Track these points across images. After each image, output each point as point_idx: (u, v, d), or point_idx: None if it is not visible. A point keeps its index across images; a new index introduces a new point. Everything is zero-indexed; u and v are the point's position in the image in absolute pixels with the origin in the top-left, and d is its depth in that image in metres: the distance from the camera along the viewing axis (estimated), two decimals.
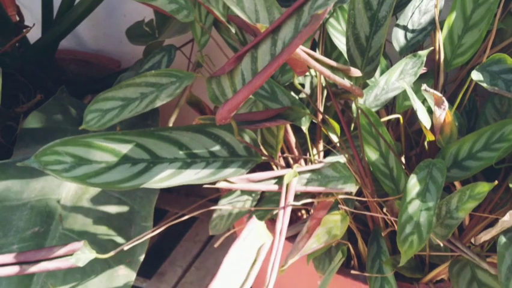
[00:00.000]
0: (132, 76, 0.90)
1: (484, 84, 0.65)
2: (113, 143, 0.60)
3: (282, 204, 0.57)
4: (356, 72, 0.59)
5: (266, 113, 0.69)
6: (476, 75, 0.66)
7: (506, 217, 0.57)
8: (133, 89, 0.79)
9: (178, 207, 1.24)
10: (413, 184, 0.62)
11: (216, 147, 0.63)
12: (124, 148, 0.60)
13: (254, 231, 0.54)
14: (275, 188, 0.62)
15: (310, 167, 0.63)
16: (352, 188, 0.63)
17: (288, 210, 0.57)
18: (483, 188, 0.58)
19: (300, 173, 0.64)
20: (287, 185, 0.61)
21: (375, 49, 0.64)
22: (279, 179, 0.63)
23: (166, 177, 0.61)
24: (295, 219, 0.84)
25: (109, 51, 1.24)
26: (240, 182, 0.60)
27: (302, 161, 0.82)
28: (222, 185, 0.59)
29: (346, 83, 0.58)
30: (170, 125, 0.91)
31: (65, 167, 0.59)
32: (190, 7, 0.75)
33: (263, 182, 0.62)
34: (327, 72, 0.57)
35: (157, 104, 0.77)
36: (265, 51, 0.54)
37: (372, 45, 0.65)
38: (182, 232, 1.18)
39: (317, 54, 0.56)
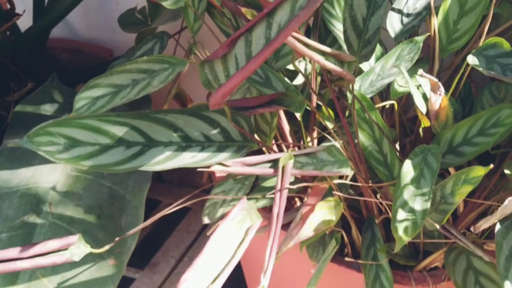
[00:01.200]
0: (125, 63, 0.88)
1: (480, 69, 0.64)
2: (107, 125, 0.59)
3: (278, 187, 0.56)
4: (348, 57, 0.59)
5: (260, 99, 0.68)
6: (472, 60, 0.65)
7: (506, 203, 0.56)
8: (124, 76, 0.77)
9: (171, 198, 1.23)
10: (408, 170, 0.62)
11: (211, 132, 0.63)
12: (119, 130, 0.59)
13: (244, 212, 0.53)
14: (270, 171, 0.61)
15: (305, 150, 0.62)
16: (348, 171, 0.62)
17: (285, 193, 0.56)
18: (478, 172, 0.58)
19: (295, 156, 0.63)
20: (283, 168, 0.60)
21: (372, 31, 0.64)
22: (274, 163, 0.62)
23: (161, 161, 0.60)
24: (288, 207, 0.83)
25: (102, 40, 1.22)
26: (234, 166, 0.59)
27: (297, 148, 0.81)
28: (216, 168, 0.58)
29: (338, 68, 0.58)
30: None
31: (58, 148, 0.58)
32: None
33: (258, 165, 0.61)
34: (318, 57, 0.56)
35: (149, 91, 0.76)
36: (260, 34, 0.53)
37: (369, 27, 0.64)
38: (175, 222, 1.18)
39: (308, 39, 0.54)
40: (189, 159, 0.59)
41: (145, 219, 1.20)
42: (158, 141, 0.60)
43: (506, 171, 0.63)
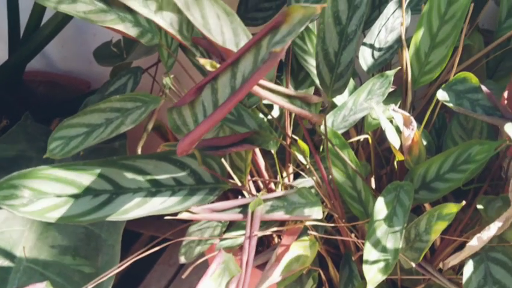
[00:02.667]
0: (98, 99, 0.88)
1: (450, 104, 0.64)
2: (74, 174, 0.58)
3: (247, 233, 0.56)
4: (314, 98, 0.58)
5: (232, 138, 0.67)
6: (441, 95, 0.65)
7: (474, 241, 0.56)
8: (97, 115, 0.77)
9: (152, 229, 1.22)
10: (380, 208, 0.61)
11: (182, 175, 0.62)
12: (86, 179, 0.58)
13: (222, 266, 0.52)
14: (240, 217, 0.60)
15: (275, 194, 0.62)
16: (319, 214, 0.61)
17: (254, 240, 0.55)
18: (451, 209, 0.57)
19: (265, 200, 0.62)
20: (252, 214, 0.59)
21: (345, 65, 0.63)
22: (244, 207, 0.61)
23: (129, 208, 0.59)
24: (267, 244, 0.83)
25: (79, 72, 1.21)
26: (203, 212, 0.59)
27: (272, 184, 0.80)
28: (184, 215, 0.57)
29: (303, 111, 0.57)
30: (139, 150, 0.89)
31: (22, 202, 0.57)
32: (154, 30, 0.73)
33: (228, 211, 0.61)
34: (283, 102, 0.55)
35: (122, 130, 0.75)
36: (225, 83, 0.52)
37: (341, 61, 0.64)
38: (156, 255, 1.16)
39: (271, 84, 0.54)
40: (159, 205, 0.59)
41: (126, 252, 1.19)
42: (127, 188, 0.59)
43: (479, 207, 0.63)
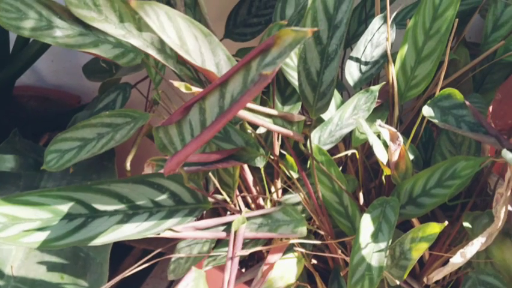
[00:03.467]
0: (87, 115, 0.88)
1: (435, 120, 0.65)
2: (48, 200, 0.58)
3: (229, 253, 0.56)
4: (296, 117, 0.58)
5: (218, 154, 0.67)
6: (427, 111, 0.65)
7: (457, 257, 0.56)
8: (89, 130, 0.78)
9: (144, 243, 1.21)
10: (366, 224, 0.61)
11: (160, 197, 0.62)
12: (61, 204, 0.58)
13: (192, 283, 0.52)
14: (223, 235, 0.60)
15: (259, 212, 0.62)
16: (303, 232, 0.61)
17: (236, 260, 0.55)
18: (434, 229, 0.58)
19: (250, 218, 0.62)
20: (235, 232, 0.59)
21: (327, 84, 0.63)
22: (228, 225, 0.61)
23: (104, 232, 0.58)
24: (257, 259, 0.83)
25: (69, 86, 1.21)
26: (185, 231, 0.59)
27: (261, 200, 0.80)
28: (166, 234, 0.57)
29: (285, 130, 0.57)
30: (128, 164, 0.89)
31: None
32: (137, 49, 0.73)
33: (211, 228, 0.61)
34: (264, 122, 0.55)
35: (112, 145, 0.76)
36: (213, 103, 0.52)
37: (324, 80, 0.64)
38: (148, 269, 1.16)
39: (253, 105, 0.54)
40: (134, 228, 0.58)
41: (118, 266, 1.19)
42: (103, 211, 0.59)
43: (465, 224, 0.63)
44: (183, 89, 0.50)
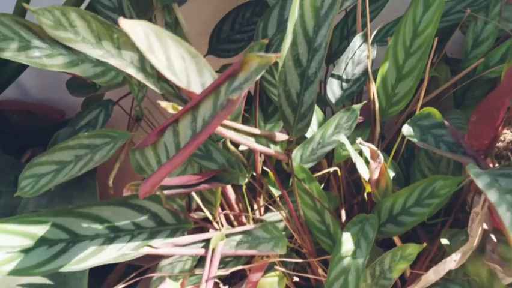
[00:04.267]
0: (69, 133, 0.88)
1: (415, 140, 0.65)
2: (28, 226, 0.57)
3: (205, 273, 0.56)
4: (279, 136, 0.59)
5: (199, 176, 0.67)
6: (406, 130, 0.66)
7: (430, 274, 0.56)
8: (66, 152, 0.77)
9: None
10: (345, 240, 0.62)
11: (141, 219, 0.61)
12: (40, 230, 0.58)
13: None
14: (201, 252, 0.60)
15: (239, 229, 0.62)
16: (283, 249, 0.62)
17: (213, 273, 0.55)
18: (413, 249, 0.58)
19: (229, 235, 0.62)
20: (213, 250, 0.59)
21: (307, 105, 0.64)
22: (207, 242, 0.61)
23: (86, 257, 0.58)
24: (239, 276, 0.83)
25: (54, 101, 1.21)
26: (164, 247, 0.58)
27: (244, 217, 0.80)
28: (146, 250, 0.57)
29: (268, 150, 0.58)
30: (111, 181, 0.88)
31: None
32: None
33: (191, 245, 0.61)
34: (248, 142, 0.56)
35: (91, 167, 0.75)
36: (186, 126, 0.53)
37: (304, 102, 0.64)
38: (133, 284, 1.15)
39: (236, 124, 0.55)
40: (116, 251, 0.58)
41: (102, 282, 1.18)
42: (84, 235, 0.58)
43: (443, 241, 0.64)
44: (170, 110, 0.50)
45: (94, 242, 0.58)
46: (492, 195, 0.48)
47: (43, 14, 0.64)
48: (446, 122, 0.63)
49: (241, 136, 0.56)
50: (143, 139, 0.58)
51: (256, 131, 0.58)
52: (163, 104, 0.50)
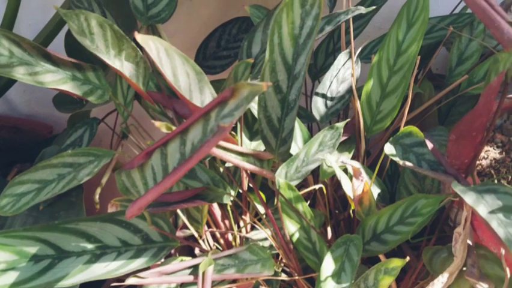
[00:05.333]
0: (55, 152, 0.88)
1: (397, 158, 0.65)
2: (14, 241, 0.57)
3: None
4: (266, 155, 0.59)
5: (183, 194, 0.67)
6: (388, 149, 0.66)
7: None
8: (49, 171, 0.77)
9: None
10: (329, 263, 0.62)
11: (128, 236, 0.61)
12: (26, 245, 0.58)
13: None
14: (190, 278, 0.60)
15: (226, 252, 0.62)
16: (271, 271, 0.61)
17: None
18: (396, 263, 0.58)
19: (216, 259, 0.62)
20: (203, 274, 0.59)
21: (288, 130, 0.64)
22: (195, 268, 0.61)
23: (72, 274, 0.58)
24: None
25: (42, 116, 1.21)
26: (151, 276, 0.58)
27: (230, 235, 0.80)
28: (131, 281, 0.57)
29: (256, 168, 0.58)
30: (97, 197, 0.88)
31: None
32: (106, 86, 0.73)
33: (178, 272, 0.61)
34: (236, 160, 0.56)
35: (74, 185, 0.75)
36: (174, 149, 0.53)
37: (285, 127, 0.64)
38: None
39: (225, 143, 0.55)
40: (102, 268, 0.58)
41: None
42: (70, 251, 0.58)
43: (424, 259, 0.64)
44: (164, 130, 0.50)
45: (81, 259, 0.58)
46: (482, 211, 0.49)
47: (71, 17, 0.64)
48: (427, 141, 0.64)
49: (230, 155, 0.56)
50: (130, 161, 0.58)
51: (246, 150, 0.58)
52: (157, 124, 0.50)
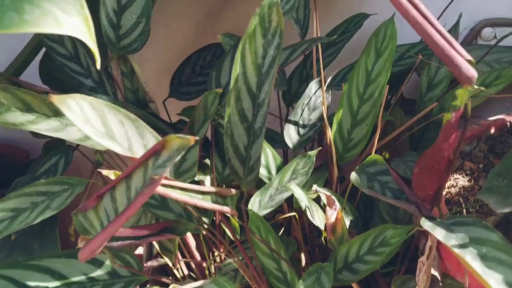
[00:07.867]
0: (28, 180, 0.87)
1: (362, 187, 0.66)
2: None
3: None
4: (227, 192, 0.59)
5: (152, 227, 0.67)
6: (354, 178, 0.67)
7: None
8: (23, 199, 0.76)
9: None
10: None
11: (94, 272, 0.61)
12: None
13: None
14: None
15: (190, 285, 0.61)
16: None
17: None
18: None
19: None
20: None
21: (255, 158, 0.64)
22: None
23: None
24: None
25: (19, 141, 1.20)
26: None
27: (204, 264, 0.80)
28: None
29: (217, 206, 0.58)
30: (72, 228, 0.88)
31: None
32: None
33: None
34: (194, 200, 0.56)
35: (48, 214, 0.75)
36: (121, 193, 0.53)
37: (252, 155, 0.65)
38: None
39: (183, 184, 0.55)
40: None
41: None
42: (33, 287, 0.58)
43: None
44: (112, 177, 0.50)
45: None
46: (453, 246, 0.49)
47: None
48: (391, 169, 0.64)
49: (189, 195, 0.56)
50: (83, 204, 0.58)
51: (205, 189, 0.58)
52: (105, 172, 0.50)
